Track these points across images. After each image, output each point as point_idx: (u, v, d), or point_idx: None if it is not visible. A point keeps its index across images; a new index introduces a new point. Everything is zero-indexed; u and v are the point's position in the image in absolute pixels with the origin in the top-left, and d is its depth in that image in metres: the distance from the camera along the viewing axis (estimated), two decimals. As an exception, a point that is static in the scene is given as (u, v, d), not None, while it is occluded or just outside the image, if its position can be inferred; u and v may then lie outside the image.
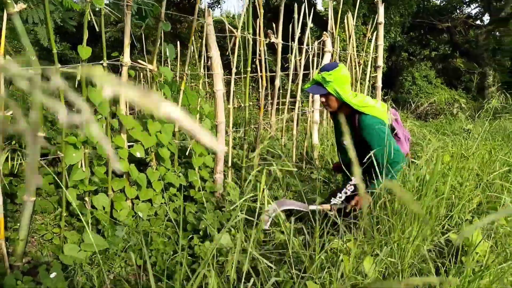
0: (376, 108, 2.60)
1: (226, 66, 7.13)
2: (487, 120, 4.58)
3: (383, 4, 5.55)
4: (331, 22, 5.23)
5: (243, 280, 1.79)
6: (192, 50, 3.86)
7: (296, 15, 4.80)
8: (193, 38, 3.16)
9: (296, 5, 4.92)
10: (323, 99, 2.66)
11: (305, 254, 2.13)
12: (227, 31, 3.69)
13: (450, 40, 18.22)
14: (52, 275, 2.34)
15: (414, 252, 2.45)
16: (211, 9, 14.35)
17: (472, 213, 3.05)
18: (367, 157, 2.36)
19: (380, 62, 5.59)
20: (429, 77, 17.49)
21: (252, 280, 1.74)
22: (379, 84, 5.64)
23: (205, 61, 3.61)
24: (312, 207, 2.53)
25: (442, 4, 18.91)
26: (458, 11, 18.81)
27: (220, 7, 14.69)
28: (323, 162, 4.36)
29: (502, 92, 15.85)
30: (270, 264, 1.94)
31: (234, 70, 3.62)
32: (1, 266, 2.29)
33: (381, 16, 5.50)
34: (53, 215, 2.82)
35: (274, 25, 4.46)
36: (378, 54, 5.54)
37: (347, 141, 2.40)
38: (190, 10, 14.20)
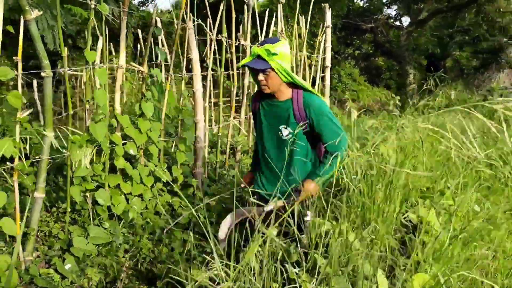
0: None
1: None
2: (428, 115, 5.21)
3: (328, 7, 6.03)
4: (280, 24, 5.60)
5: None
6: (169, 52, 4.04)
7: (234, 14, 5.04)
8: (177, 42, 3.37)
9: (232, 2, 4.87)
10: (262, 77, 2.23)
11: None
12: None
13: (374, 40, 19.46)
14: (67, 266, 2.49)
15: (386, 230, 2.88)
16: (145, 5, 14.19)
17: (423, 197, 3.57)
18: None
19: (328, 62, 6.08)
20: (353, 75, 18.52)
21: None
22: (328, 83, 6.13)
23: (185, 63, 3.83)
24: (268, 208, 2.19)
25: (365, 6, 20.13)
26: (380, 12, 20.15)
27: (154, 2, 14.56)
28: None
29: (423, 89, 17.30)
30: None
31: (210, 69, 3.87)
32: (17, 260, 2.39)
33: (328, 20, 5.98)
34: (52, 212, 2.92)
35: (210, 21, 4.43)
36: (326, 55, 6.02)
37: (288, 130, 2.30)
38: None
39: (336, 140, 2.20)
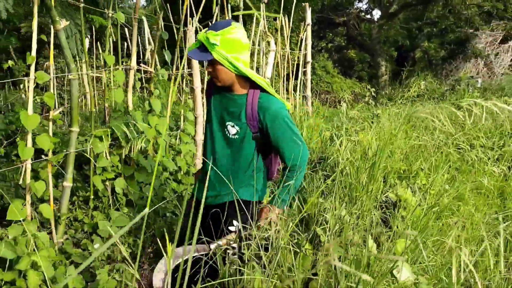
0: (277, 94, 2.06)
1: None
2: (403, 104, 5.69)
3: (309, 6, 6.44)
4: (263, 22, 5.97)
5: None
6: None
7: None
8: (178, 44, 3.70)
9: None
10: (210, 69, 1.98)
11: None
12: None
13: (347, 33, 20.01)
14: (96, 245, 2.83)
15: (371, 206, 3.31)
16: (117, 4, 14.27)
17: (400, 177, 4.04)
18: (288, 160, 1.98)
19: (309, 58, 6.49)
20: (327, 67, 18.99)
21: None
22: (309, 77, 6.55)
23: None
24: (213, 245, 1.96)
25: (338, 0, 20.67)
26: (352, 6, 20.74)
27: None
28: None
29: (393, 80, 17.99)
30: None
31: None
32: (51, 242, 2.71)
33: (308, 18, 6.38)
34: (73, 200, 3.24)
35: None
36: (307, 51, 6.43)
37: (235, 128, 2.14)
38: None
39: (298, 152, 1.96)
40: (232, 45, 1.89)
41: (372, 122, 6.00)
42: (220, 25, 1.90)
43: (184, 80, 3.93)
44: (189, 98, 4.09)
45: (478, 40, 17.38)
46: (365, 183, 3.31)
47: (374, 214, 3.13)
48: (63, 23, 2.61)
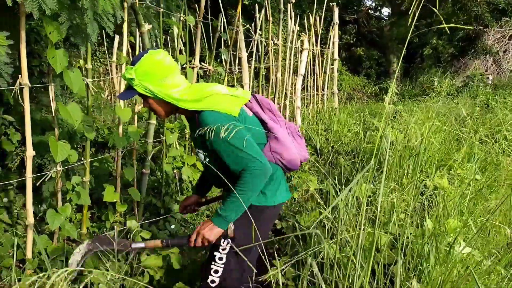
0: (225, 97, 1.84)
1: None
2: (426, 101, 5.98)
3: (336, 5, 6.72)
4: (291, 23, 6.25)
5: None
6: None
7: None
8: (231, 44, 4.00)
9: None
10: (145, 105, 1.91)
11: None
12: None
13: (358, 31, 20.26)
14: (172, 226, 3.14)
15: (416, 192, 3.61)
16: None
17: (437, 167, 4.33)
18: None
19: (336, 55, 6.78)
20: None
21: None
22: (336, 73, 6.84)
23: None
24: (136, 245, 1.96)
25: (348, -2, 20.90)
26: (362, 4, 20.99)
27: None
28: (307, 136, 5.42)
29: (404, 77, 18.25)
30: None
31: (252, 66, 4.52)
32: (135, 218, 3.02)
33: (336, 17, 6.67)
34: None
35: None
36: (334, 49, 6.72)
37: (202, 154, 1.93)
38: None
39: (243, 164, 1.74)
40: (153, 73, 1.79)
41: (395, 117, 6.31)
42: (137, 58, 1.81)
43: (235, 76, 4.22)
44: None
45: (486, 36, 17.61)
46: (411, 171, 3.62)
47: (420, 199, 3.44)
48: (147, 27, 2.91)
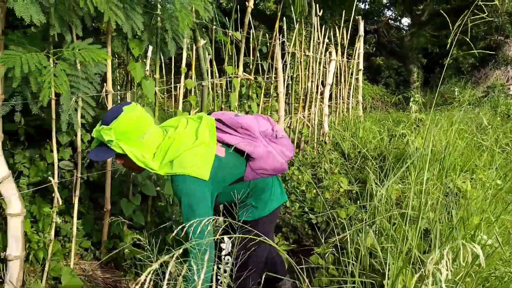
0: (195, 155, 1.79)
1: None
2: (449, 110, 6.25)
3: (362, 18, 7.04)
4: (316, 33, 6.59)
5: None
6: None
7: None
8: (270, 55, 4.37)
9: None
10: (120, 162, 1.86)
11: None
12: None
13: (378, 41, 20.53)
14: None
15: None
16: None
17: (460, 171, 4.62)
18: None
19: (361, 66, 7.11)
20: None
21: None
22: (360, 83, 7.16)
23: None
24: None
25: (367, 8, 21.22)
26: (382, 14, 21.29)
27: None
28: (334, 142, 5.74)
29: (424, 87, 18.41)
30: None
31: (286, 76, 4.87)
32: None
33: (361, 29, 7.01)
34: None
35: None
36: (359, 60, 7.05)
37: None
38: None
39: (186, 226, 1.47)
40: (131, 132, 1.75)
41: (418, 126, 6.59)
42: (111, 116, 1.74)
43: (272, 86, 4.59)
44: (275, 101, 4.76)
45: (507, 47, 17.71)
46: (436, 174, 3.93)
47: (445, 200, 3.74)
48: (202, 42, 3.29)
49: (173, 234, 1.34)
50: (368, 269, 2.55)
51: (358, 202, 3.38)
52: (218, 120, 1.99)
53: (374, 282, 2.29)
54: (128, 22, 2.14)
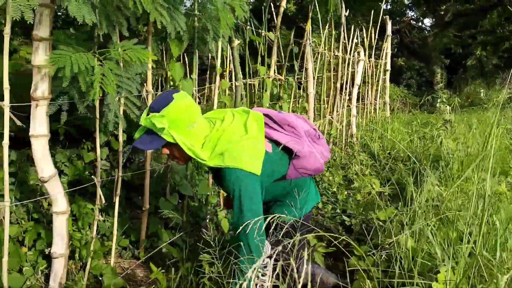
0: (245, 146, 1.78)
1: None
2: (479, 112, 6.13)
3: (389, 18, 6.97)
4: (342, 34, 6.54)
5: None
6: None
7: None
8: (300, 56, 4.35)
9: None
10: (167, 151, 1.83)
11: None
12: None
13: (400, 41, 20.31)
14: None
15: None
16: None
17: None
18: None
19: (388, 66, 7.04)
20: (377, 75, 19.18)
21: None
22: (387, 84, 7.09)
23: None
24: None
25: (389, 9, 21.00)
26: (404, 15, 21.05)
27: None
28: (362, 143, 5.69)
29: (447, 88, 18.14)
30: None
31: (315, 76, 4.85)
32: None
33: (389, 30, 6.93)
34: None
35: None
36: (387, 60, 6.98)
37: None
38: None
39: (238, 224, 1.67)
40: (181, 120, 1.72)
41: (446, 127, 6.49)
42: (161, 103, 1.71)
43: (302, 86, 4.57)
44: (304, 101, 4.74)
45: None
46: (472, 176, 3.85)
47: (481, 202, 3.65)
48: (236, 42, 3.29)
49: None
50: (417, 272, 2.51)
51: (400, 204, 3.32)
52: (266, 115, 1.97)
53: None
54: (172, 23, 2.15)
